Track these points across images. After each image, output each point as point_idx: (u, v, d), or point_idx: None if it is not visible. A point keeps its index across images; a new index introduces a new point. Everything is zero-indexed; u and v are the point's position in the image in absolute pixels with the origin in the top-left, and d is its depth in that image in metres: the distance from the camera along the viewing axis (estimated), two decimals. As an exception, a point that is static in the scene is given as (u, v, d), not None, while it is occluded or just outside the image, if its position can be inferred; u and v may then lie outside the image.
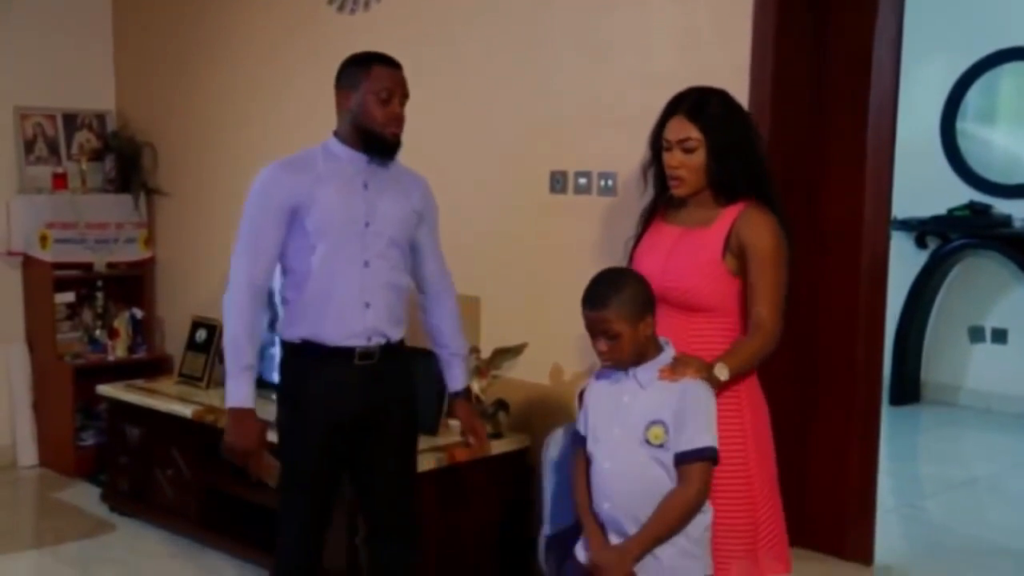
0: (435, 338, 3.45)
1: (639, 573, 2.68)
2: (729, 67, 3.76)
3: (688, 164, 2.88)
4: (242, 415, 3.09)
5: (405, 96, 3.19)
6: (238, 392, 3.10)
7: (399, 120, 3.17)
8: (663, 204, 3.06)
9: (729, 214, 2.89)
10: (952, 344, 7.19)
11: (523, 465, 4.28)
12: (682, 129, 2.88)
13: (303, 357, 3.18)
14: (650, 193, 3.11)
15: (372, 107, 3.13)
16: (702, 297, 2.88)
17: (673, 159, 2.89)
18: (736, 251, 2.87)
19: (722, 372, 2.75)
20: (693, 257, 2.89)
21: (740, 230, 2.86)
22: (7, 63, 5.97)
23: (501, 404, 4.24)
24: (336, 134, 3.23)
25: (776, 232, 2.88)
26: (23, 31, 6.01)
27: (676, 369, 2.71)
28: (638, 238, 3.10)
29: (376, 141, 3.16)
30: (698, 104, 2.89)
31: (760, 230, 2.86)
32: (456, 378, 3.48)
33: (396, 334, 3.27)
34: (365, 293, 3.16)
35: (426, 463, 3.88)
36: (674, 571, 2.69)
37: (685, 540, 2.69)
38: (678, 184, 2.91)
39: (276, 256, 3.15)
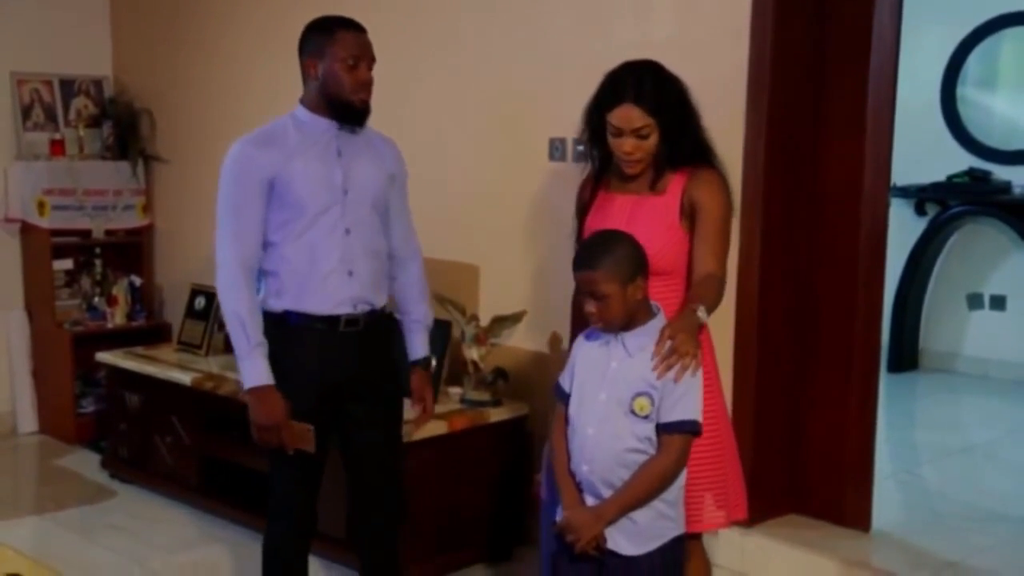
0: (399, 304, 3.43)
1: (615, 534, 2.71)
2: (728, 31, 3.74)
3: (643, 147, 2.95)
4: (264, 392, 3.08)
5: (372, 60, 3.18)
6: (255, 371, 3.09)
7: (367, 86, 3.17)
8: (604, 175, 3.12)
9: (679, 178, 2.98)
10: (951, 311, 7.19)
11: (522, 433, 4.29)
12: (633, 118, 2.92)
13: (286, 326, 3.17)
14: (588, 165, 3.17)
15: (340, 74, 3.12)
16: (666, 261, 2.92)
17: (627, 145, 2.94)
18: (688, 212, 2.96)
19: (703, 314, 2.80)
20: (655, 223, 2.95)
21: (692, 191, 2.96)
22: (3, 28, 5.94)
23: (500, 372, 4.25)
24: (303, 103, 3.22)
25: (726, 192, 3.01)
26: (19, -4, 5.98)
27: (674, 362, 2.67)
28: (584, 210, 3.15)
29: (345, 108, 3.16)
30: (640, 88, 2.93)
31: (712, 190, 2.97)
32: (416, 346, 3.46)
33: (380, 301, 3.28)
34: (347, 261, 3.17)
35: (425, 431, 3.89)
36: (650, 532, 2.72)
37: (661, 503, 2.72)
38: (634, 165, 2.98)
39: (261, 232, 3.13)
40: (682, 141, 2.96)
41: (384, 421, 3.34)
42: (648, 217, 2.96)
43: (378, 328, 3.29)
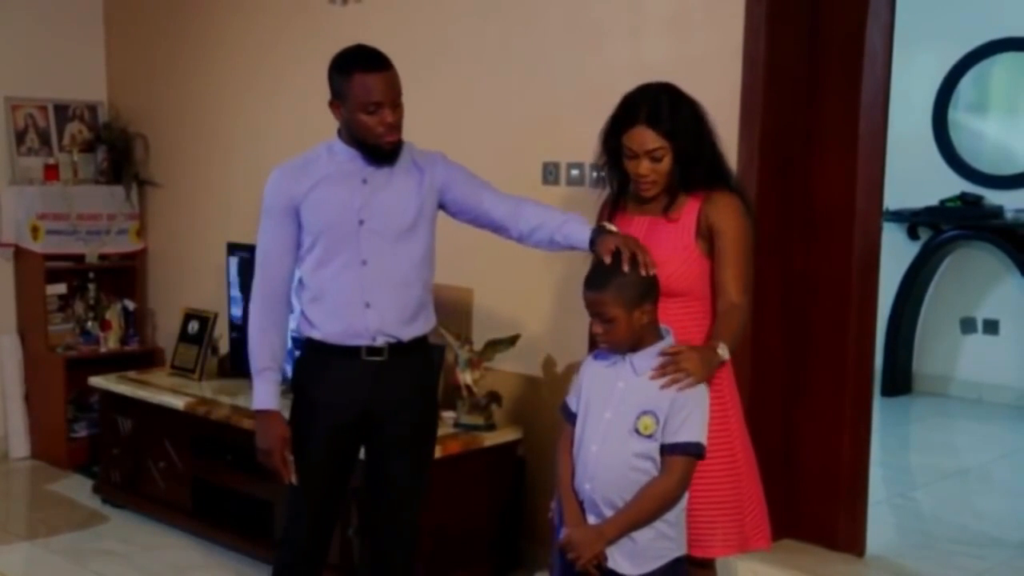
0: (544, 232, 3.12)
1: (615, 553, 2.70)
2: (722, 52, 3.76)
3: (658, 170, 2.96)
4: (263, 416, 3.13)
5: (396, 98, 3.04)
6: (259, 395, 3.15)
7: (393, 127, 3.04)
8: (622, 197, 3.12)
9: (695, 200, 2.99)
10: (944, 335, 7.20)
11: (516, 457, 4.28)
12: (647, 140, 2.93)
13: (311, 355, 3.19)
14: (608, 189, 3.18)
15: (361, 120, 3.01)
16: (681, 281, 2.93)
17: (642, 167, 2.96)
18: (706, 234, 2.97)
19: (724, 352, 2.81)
20: (669, 244, 2.95)
21: (709, 214, 2.96)
22: (-2, 54, 5.96)
23: (494, 396, 4.24)
24: (339, 133, 3.15)
25: (743, 215, 2.99)
26: (14, 20, 5.99)
27: (670, 371, 2.69)
28: None
29: (373, 151, 3.08)
30: (653, 111, 2.93)
31: (728, 213, 2.96)
32: (583, 229, 3.03)
33: (408, 333, 3.16)
34: (364, 293, 3.09)
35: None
36: (650, 552, 2.72)
37: (662, 524, 2.72)
38: (649, 187, 2.99)
39: (286, 259, 3.13)
40: (696, 165, 2.96)
41: (410, 452, 3.27)
42: (663, 239, 2.96)
43: (408, 358, 3.19)
